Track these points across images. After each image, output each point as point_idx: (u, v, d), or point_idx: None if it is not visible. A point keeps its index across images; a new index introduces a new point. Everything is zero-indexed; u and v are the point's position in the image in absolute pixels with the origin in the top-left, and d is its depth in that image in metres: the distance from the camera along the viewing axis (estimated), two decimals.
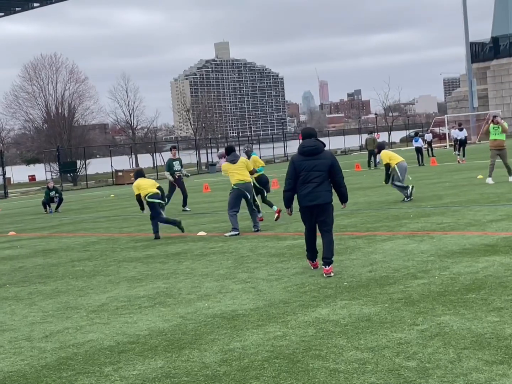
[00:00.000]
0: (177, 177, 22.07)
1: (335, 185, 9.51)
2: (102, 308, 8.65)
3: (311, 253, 9.82)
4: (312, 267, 9.86)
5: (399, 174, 18.29)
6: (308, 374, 5.49)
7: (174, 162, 22.08)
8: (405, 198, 18.22)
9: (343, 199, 9.71)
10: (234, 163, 15.27)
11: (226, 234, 14.86)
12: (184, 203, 22.21)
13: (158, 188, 15.84)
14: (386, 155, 18.51)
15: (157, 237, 15.38)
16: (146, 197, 15.57)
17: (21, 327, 8.01)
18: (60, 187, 55.28)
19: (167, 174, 22.29)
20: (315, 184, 9.29)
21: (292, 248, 11.97)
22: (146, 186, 15.64)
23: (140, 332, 7.26)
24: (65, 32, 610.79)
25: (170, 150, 23.20)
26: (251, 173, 15.89)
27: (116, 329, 7.49)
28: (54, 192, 27.67)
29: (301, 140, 9.81)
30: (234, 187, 15.32)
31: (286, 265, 10.43)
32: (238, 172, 15.19)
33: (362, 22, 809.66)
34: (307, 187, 9.30)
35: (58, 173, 61.53)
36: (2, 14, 67.34)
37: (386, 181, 18.70)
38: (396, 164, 18.34)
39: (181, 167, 22.24)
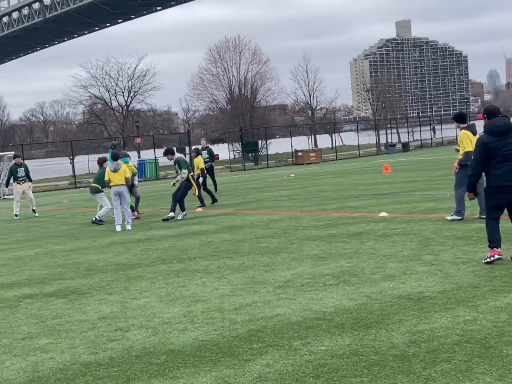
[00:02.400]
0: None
1: None
2: (288, 284, 8.84)
3: (498, 240, 9.01)
4: (497, 256, 8.95)
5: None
6: (502, 360, 5.31)
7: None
8: None
9: None
10: (475, 134, 12.76)
11: (448, 217, 13.42)
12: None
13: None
14: None
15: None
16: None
17: (212, 298, 8.37)
18: (242, 166, 56.92)
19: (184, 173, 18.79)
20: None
21: (479, 231, 11.54)
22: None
23: (326, 309, 7.35)
24: (251, 15, 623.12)
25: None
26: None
27: (303, 305, 7.63)
28: (206, 152, 25.97)
29: (481, 120, 9.30)
30: (466, 163, 12.52)
31: (474, 249, 10.11)
32: (470, 145, 12.59)
33: None
34: (504, 167, 8.80)
35: (241, 153, 63.37)
36: None
37: None
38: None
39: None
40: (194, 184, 18.60)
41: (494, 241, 9.00)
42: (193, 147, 27.41)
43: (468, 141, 12.76)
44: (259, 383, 5.30)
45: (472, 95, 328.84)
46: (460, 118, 13.42)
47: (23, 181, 23.50)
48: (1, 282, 10.85)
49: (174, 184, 18.73)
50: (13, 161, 24.40)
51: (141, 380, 5.62)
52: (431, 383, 4.99)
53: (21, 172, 23.53)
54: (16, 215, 23.60)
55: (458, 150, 13.42)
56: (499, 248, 8.98)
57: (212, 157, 26.01)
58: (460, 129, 13.13)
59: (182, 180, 18.10)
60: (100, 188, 19.00)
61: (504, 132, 8.88)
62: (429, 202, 17.02)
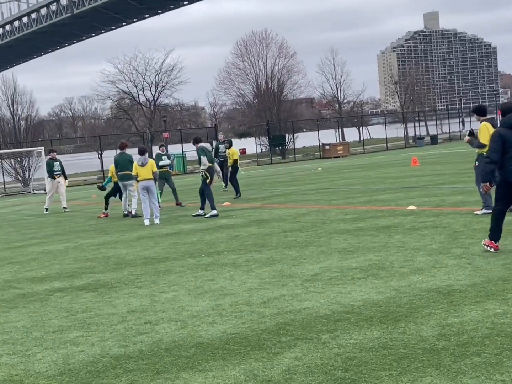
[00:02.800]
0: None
1: None
2: (316, 277, 8.84)
3: (499, 234, 9.42)
4: (493, 250, 9.37)
5: None
6: None
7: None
8: None
9: None
10: (495, 127, 11.98)
11: (477, 212, 13.28)
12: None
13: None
14: None
15: None
16: None
17: (240, 292, 8.39)
18: (270, 160, 56.89)
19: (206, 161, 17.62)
20: None
21: (509, 224, 11.41)
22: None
23: (355, 303, 7.34)
24: (277, 8, 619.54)
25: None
26: None
27: (331, 299, 7.62)
28: (224, 146, 25.88)
29: (500, 116, 9.47)
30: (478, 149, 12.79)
31: (504, 242, 9.99)
32: (487, 138, 12.00)
33: None
34: None
35: (268, 147, 63.31)
36: None
37: None
38: None
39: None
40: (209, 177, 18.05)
41: (495, 233, 9.44)
42: (226, 139, 27.61)
43: (486, 133, 12.57)
44: (287, 376, 5.31)
45: (502, 87, 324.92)
46: (481, 111, 13.39)
47: (58, 176, 23.76)
48: (32, 276, 10.98)
49: (202, 175, 18.70)
50: (49, 156, 24.64)
51: (171, 372, 5.65)
52: (461, 376, 4.97)
53: (56, 166, 23.79)
54: (46, 209, 23.84)
55: (472, 134, 13.33)
56: (497, 242, 9.44)
57: None
58: (480, 122, 13.09)
59: (205, 167, 18.00)
60: (131, 174, 19.03)
61: None
62: (458, 195, 16.89)
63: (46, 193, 39.78)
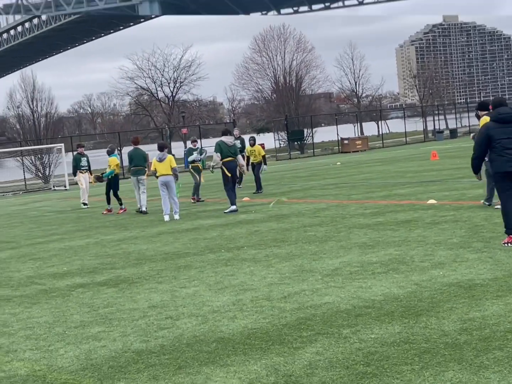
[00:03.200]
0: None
1: None
2: (336, 272, 8.83)
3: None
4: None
5: None
6: None
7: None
8: None
9: None
10: None
11: (498, 206, 12.90)
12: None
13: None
14: None
15: None
16: None
17: (261, 287, 8.40)
18: (288, 155, 56.81)
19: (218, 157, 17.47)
20: None
21: None
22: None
23: (375, 297, 7.32)
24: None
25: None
26: None
27: (351, 293, 7.61)
28: (239, 142, 24.43)
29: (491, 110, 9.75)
30: None
31: None
32: None
33: None
34: (508, 153, 9.17)
35: (287, 142, 63.27)
36: None
37: None
38: None
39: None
40: (226, 171, 17.28)
41: (510, 227, 9.39)
42: (250, 135, 27.63)
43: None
44: (309, 371, 5.31)
45: None
46: (482, 106, 13.57)
47: (85, 171, 23.93)
48: (53, 272, 11.06)
49: (211, 171, 18.70)
50: (77, 151, 24.83)
51: (192, 367, 5.67)
52: (483, 371, 4.95)
53: (84, 161, 23.98)
54: (84, 204, 23.96)
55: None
56: None
57: (244, 147, 26.04)
58: (482, 116, 13.17)
59: (215, 164, 17.89)
60: (145, 169, 19.19)
61: (506, 120, 9.24)
62: (478, 189, 16.76)
63: (66, 189, 40.25)
